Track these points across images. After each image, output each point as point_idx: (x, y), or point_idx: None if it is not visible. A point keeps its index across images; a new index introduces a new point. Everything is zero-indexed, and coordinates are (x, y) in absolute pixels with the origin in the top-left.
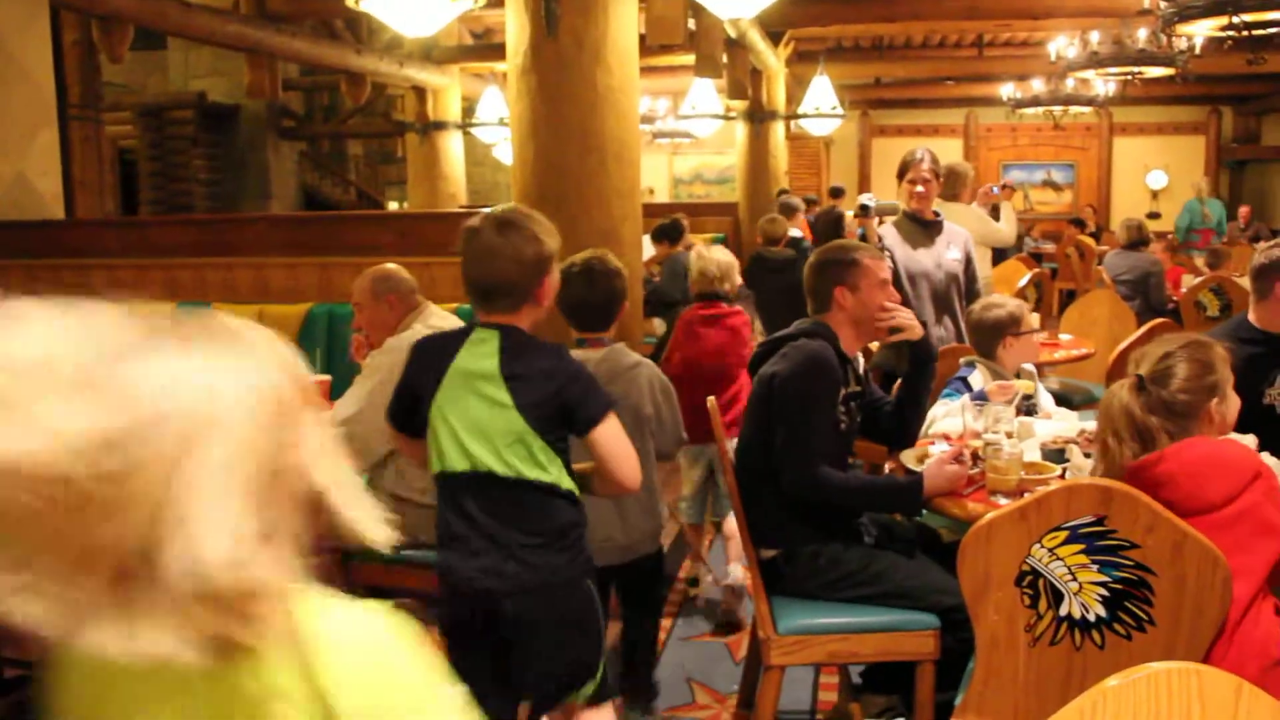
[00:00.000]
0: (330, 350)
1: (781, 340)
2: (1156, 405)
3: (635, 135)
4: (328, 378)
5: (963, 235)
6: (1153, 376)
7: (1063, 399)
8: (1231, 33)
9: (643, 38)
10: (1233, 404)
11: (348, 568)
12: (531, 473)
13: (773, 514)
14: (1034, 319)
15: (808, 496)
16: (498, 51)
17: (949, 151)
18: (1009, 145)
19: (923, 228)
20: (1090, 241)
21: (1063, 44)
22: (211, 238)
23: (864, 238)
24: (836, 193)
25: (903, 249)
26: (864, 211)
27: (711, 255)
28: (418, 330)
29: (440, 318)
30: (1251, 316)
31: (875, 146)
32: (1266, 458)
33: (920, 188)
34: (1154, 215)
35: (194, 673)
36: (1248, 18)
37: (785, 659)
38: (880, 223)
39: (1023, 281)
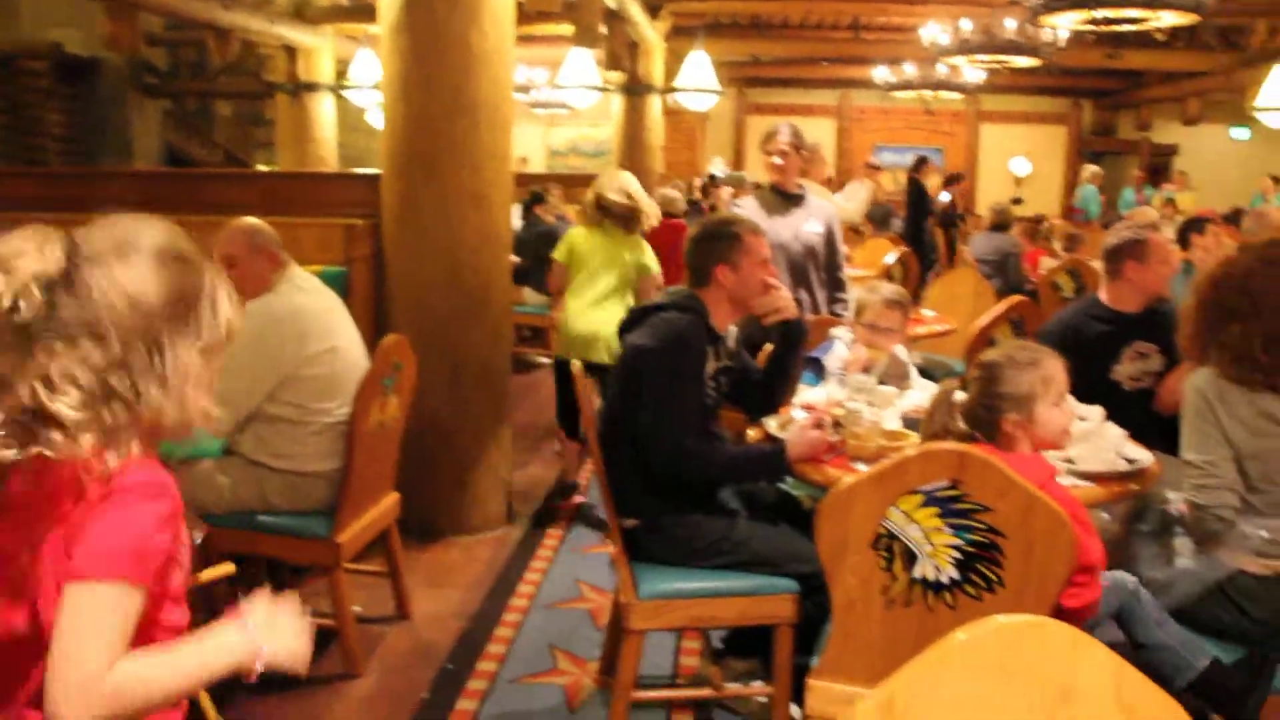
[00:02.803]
0: None
1: (651, 309)
2: (970, 412)
3: (509, 98)
4: None
5: (826, 209)
6: (971, 383)
7: (926, 373)
8: (1092, 27)
9: (521, 5)
10: (1043, 421)
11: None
12: None
13: (634, 483)
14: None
15: (674, 470)
16: (372, 13)
17: (823, 132)
18: (881, 127)
19: (783, 200)
20: (959, 223)
21: (935, 30)
22: (65, 192)
23: (712, 208)
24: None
25: (762, 220)
26: (712, 181)
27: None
28: (284, 291)
29: (304, 279)
30: (1103, 296)
31: (751, 124)
32: (1111, 427)
33: (778, 159)
34: (1017, 201)
35: None
36: (1108, 13)
37: (646, 624)
38: (735, 194)
39: (889, 259)
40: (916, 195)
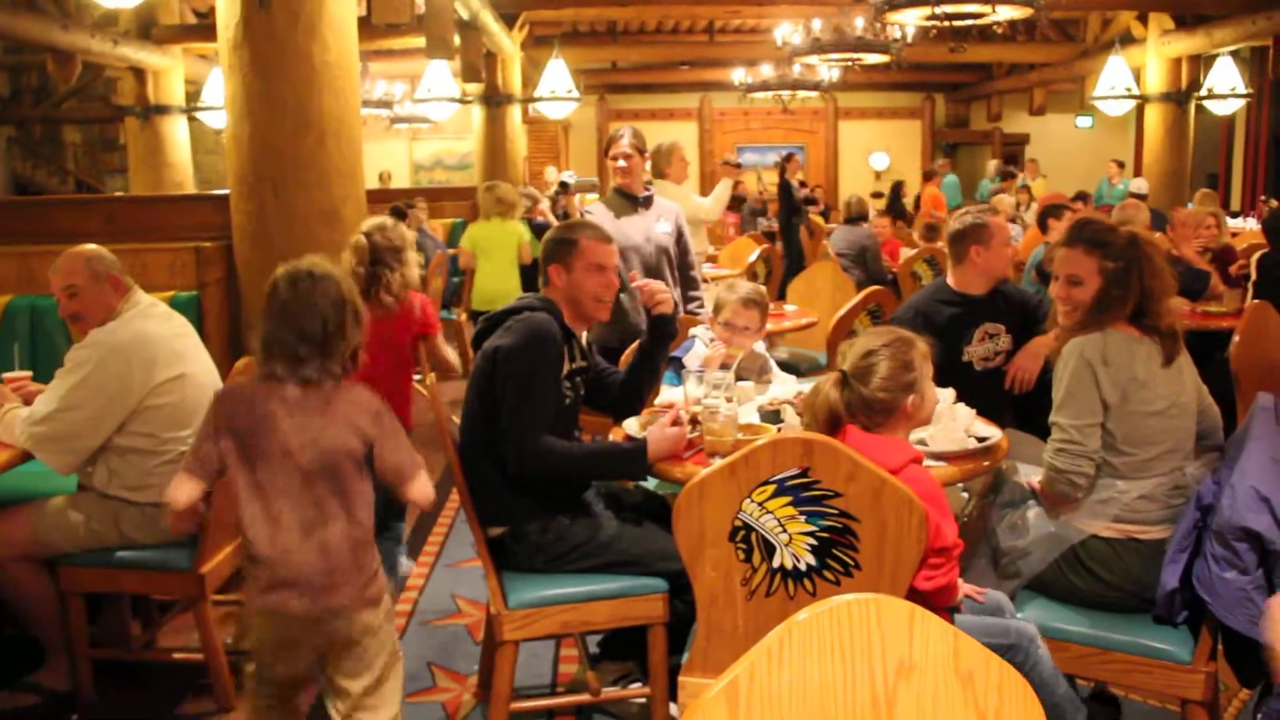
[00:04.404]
0: (35, 345)
1: (506, 314)
2: (856, 401)
3: (356, 113)
4: (27, 373)
5: (673, 210)
6: (855, 373)
7: (790, 367)
8: (935, 23)
9: (368, 18)
10: (929, 398)
11: (56, 573)
12: None
13: (498, 491)
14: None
15: (534, 469)
16: None
17: (685, 135)
18: (742, 129)
19: (630, 202)
20: (820, 220)
21: (788, 30)
22: None
23: (565, 215)
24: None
25: (611, 223)
26: (564, 189)
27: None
28: (129, 318)
29: (150, 304)
30: (950, 280)
31: (613, 130)
32: (961, 408)
33: (622, 162)
34: (877, 194)
35: None
36: (949, 9)
37: (518, 633)
38: (582, 200)
39: (752, 257)
40: (784, 192)
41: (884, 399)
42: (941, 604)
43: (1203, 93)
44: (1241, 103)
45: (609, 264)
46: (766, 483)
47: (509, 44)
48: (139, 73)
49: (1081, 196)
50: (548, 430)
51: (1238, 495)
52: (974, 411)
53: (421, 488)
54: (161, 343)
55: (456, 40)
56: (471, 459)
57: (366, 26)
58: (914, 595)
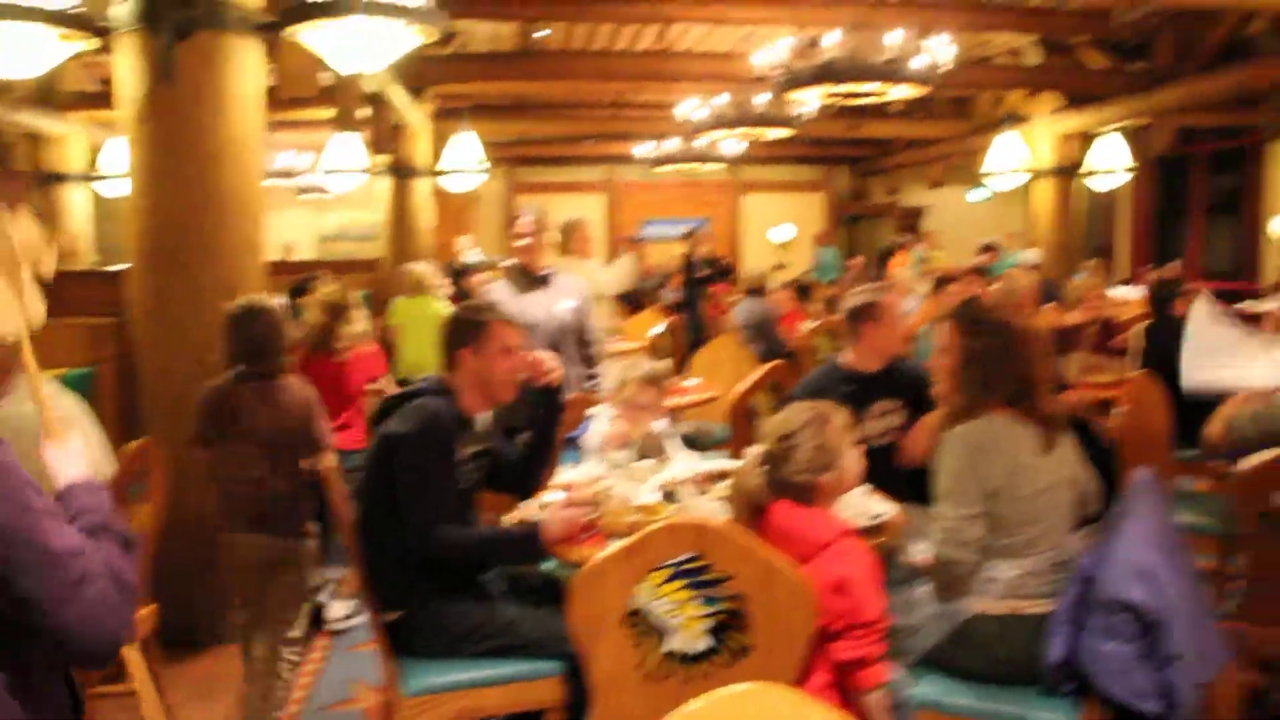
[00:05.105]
0: None
1: (403, 397)
2: (778, 484)
3: (258, 189)
4: None
5: (576, 286)
6: (776, 456)
7: (693, 442)
8: (836, 100)
9: (275, 89)
10: (849, 468)
11: None
12: None
13: (395, 575)
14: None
15: (432, 556)
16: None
17: (593, 207)
18: (649, 201)
19: (531, 279)
20: (724, 290)
21: (692, 106)
22: None
23: (466, 295)
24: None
25: (513, 300)
26: (464, 270)
27: None
28: (13, 400)
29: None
30: (845, 358)
31: (521, 203)
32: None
33: (524, 240)
34: (780, 266)
35: None
36: (845, 89)
37: None
38: (485, 281)
39: (657, 330)
40: (687, 266)
41: (803, 481)
42: (866, 682)
43: (1088, 169)
44: (1127, 177)
45: (517, 345)
46: (661, 567)
47: (417, 117)
48: (35, 139)
49: (979, 270)
50: (445, 517)
51: (1117, 568)
52: (869, 487)
53: None
54: None
55: (366, 112)
56: (368, 541)
57: (275, 99)
58: (835, 668)
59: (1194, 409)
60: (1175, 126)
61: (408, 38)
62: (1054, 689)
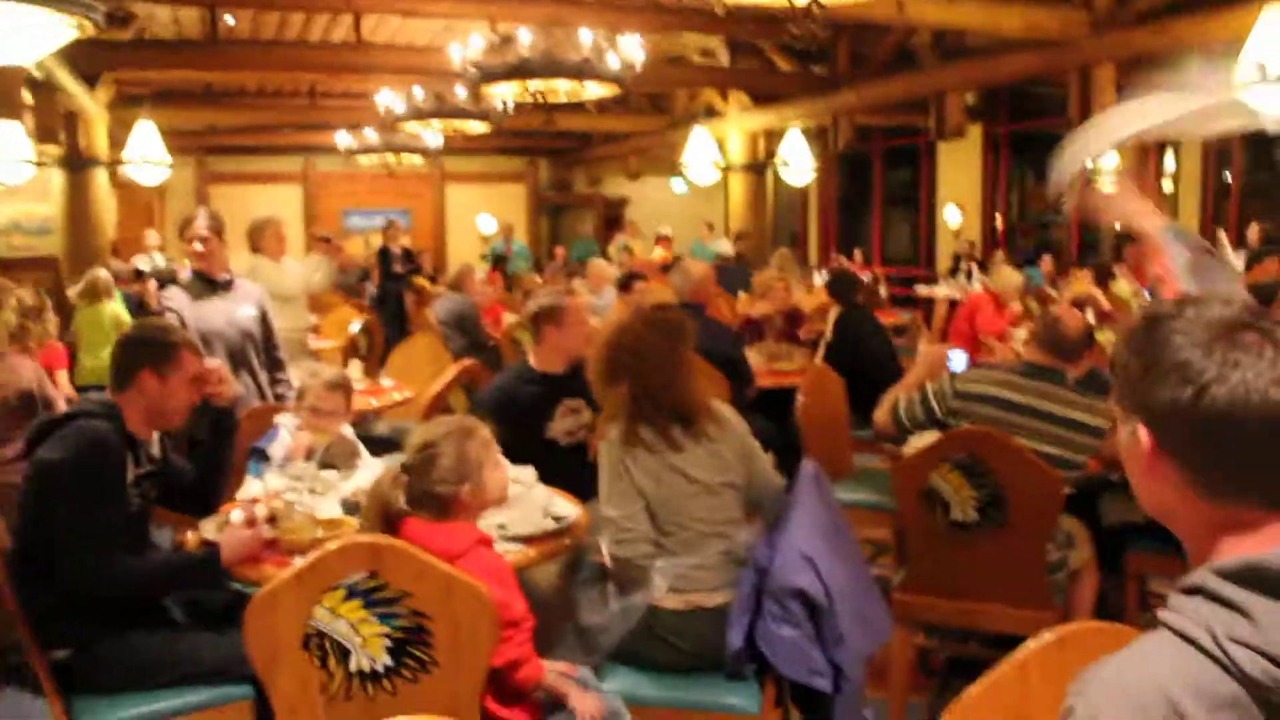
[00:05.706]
0: None
1: (56, 422)
2: (417, 494)
3: None
4: None
5: (255, 293)
6: (415, 466)
7: (393, 443)
8: (530, 97)
9: None
10: (490, 486)
11: None
12: None
13: (59, 611)
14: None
15: (101, 590)
16: None
17: (290, 198)
18: (348, 192)
19: (211, 287)
20: (427, 284)
21: (390, 97)
22: None
23: (144, 304)
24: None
25: (192, 309)
26: (138, 276)
27: None
28: None
29: None
30: (532, 360)
31: (213, 194)
32: (540, 488)
33: (199, 246)
34: (485, 257)
35: None
36: (538, 85)
37: None
38: (162, 286)
39: (354, 327)
40: (383, 260)
41: (442, 491)
42: (520, 682)
43: (778, 163)
44: (812, 175)
45: (200, 375)
46: (336, 587)
47: (92, 105)
48: None
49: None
50: (111, 546)
51: (786, 557)
52: (552, 491)
53: None
54: None
55: (29, 99)
56: (26, 578)
57: None
58: (492, 673)
59: (873, 392)
60: (854, 125)
61: (60, 29)
62: (736, 674)
